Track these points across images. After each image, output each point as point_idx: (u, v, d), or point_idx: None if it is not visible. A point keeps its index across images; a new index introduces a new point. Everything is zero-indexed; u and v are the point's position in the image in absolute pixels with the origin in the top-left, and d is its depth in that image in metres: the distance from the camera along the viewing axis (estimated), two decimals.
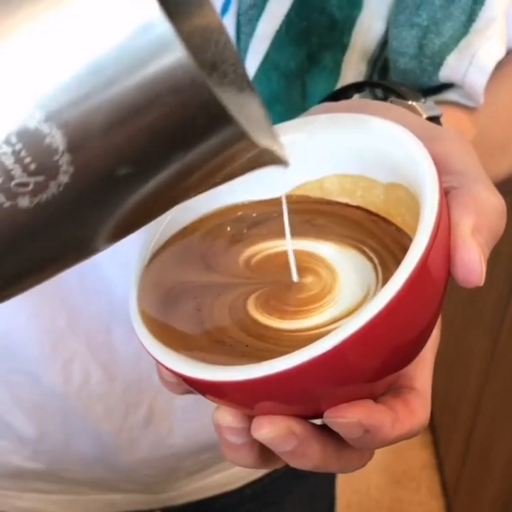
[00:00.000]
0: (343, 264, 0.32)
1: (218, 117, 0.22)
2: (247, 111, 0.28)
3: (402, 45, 0.43)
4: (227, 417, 0.29)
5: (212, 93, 0.21)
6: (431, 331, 0.30)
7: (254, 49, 0.42)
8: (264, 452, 0.30)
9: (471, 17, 0.42)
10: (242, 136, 0.23)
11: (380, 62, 0.46)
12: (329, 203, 0.35)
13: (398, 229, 0.32)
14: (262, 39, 0.42)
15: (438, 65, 0.43)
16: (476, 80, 0.43)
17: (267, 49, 0.42)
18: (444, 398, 1.56)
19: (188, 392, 0.31)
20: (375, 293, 0.29)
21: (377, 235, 0.33)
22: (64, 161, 0.22)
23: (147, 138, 0.22)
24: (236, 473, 0.66)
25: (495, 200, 0.30)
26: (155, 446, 0.58)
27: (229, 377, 0.27)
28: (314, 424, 0.29)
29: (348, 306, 0.30)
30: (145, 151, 0.22)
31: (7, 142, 0.21)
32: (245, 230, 0.35)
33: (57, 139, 0.21)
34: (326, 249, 0.33)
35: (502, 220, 0.30)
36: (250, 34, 0.42)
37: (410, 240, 0.31)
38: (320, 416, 0.28)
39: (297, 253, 0.33)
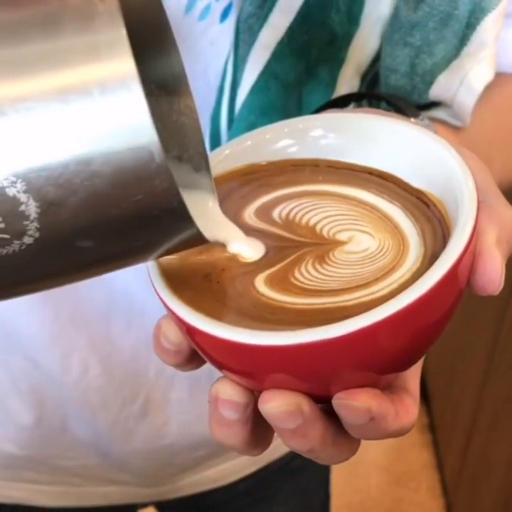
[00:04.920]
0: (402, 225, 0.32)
1: (181, 219, 0.25)
2: (199, 194, 0.32)
3: (395, 62, 0.44)
4: (229, 390, 0.29)
5: (182, 202, 0.24)
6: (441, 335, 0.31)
7: (254, 58, 0.43)
8: (254, 433, 0.30)
9: (463, 41, 0.43)
10: (197, 233, 0.26)
11: (369, 76, 0.47)
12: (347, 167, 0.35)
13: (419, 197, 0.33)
14: (263, 49, 0.43)
15: (429, 83, 0.45)
16: (465, 100, 0.45)
17: (268, 59, 0.43)
18: (444, 398, 1.56)
19: (180, 364, 0.31)
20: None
21: (403, 195, 0.33)
22: (32, 227, 0.24)
23: (112, 222, 0.25)
24: (229, 468, 0.66)
25: None
26: (150, 438, 0.58)
27: (256, 340, 0.26)
28: (319, 407, 0.29)
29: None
30: (107, 232, 0.25)
31: None
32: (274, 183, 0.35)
33: (30, 209, 0.24)
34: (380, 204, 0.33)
35: None
36: (250, 43, 0.43)
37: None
38: (324, 399, 0.28)
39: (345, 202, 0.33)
